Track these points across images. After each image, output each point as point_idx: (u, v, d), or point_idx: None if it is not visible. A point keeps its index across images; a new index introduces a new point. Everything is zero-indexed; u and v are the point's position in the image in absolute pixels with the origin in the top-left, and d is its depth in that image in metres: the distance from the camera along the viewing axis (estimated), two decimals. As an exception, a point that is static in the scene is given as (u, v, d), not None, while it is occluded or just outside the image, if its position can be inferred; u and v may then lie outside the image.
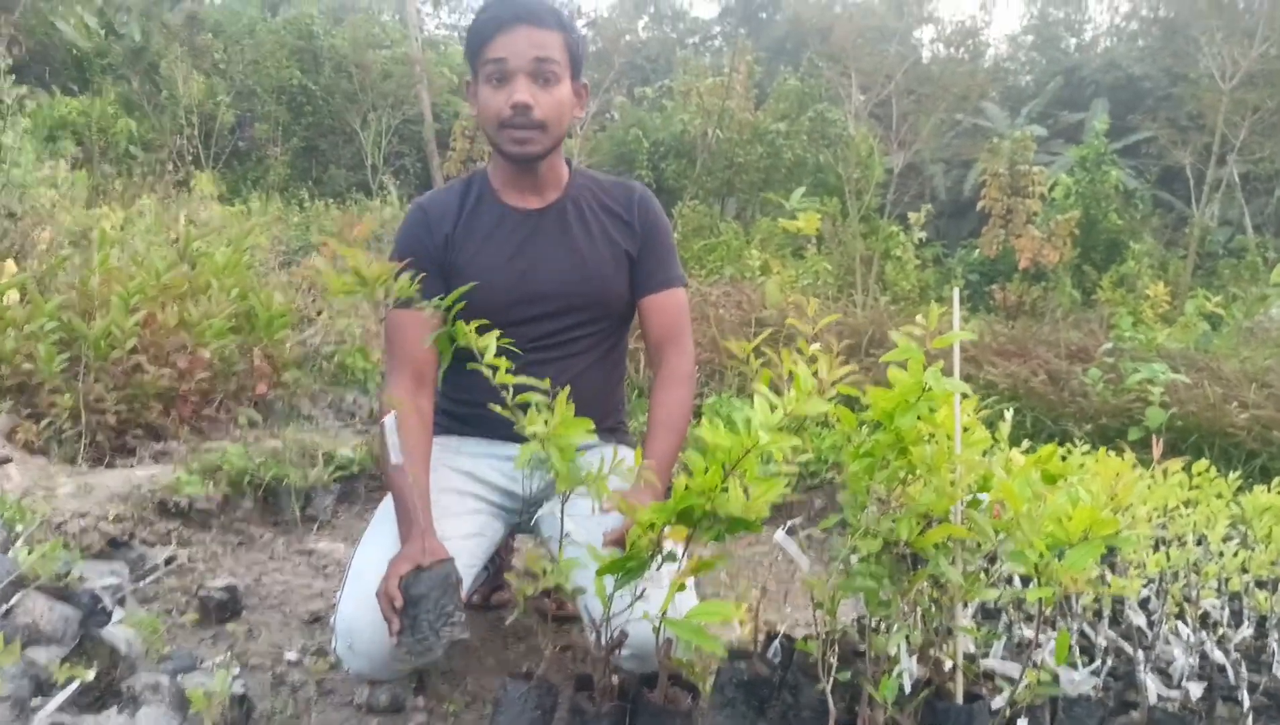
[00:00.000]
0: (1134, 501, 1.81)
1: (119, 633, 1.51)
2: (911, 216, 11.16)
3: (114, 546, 2.34)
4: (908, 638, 1.34)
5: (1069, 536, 0.96)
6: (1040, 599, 1.12)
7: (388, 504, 1.80)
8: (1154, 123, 17.21)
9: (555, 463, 1.42)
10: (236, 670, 1.71)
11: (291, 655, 2.02)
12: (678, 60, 23.69)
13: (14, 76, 4.60)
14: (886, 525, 1.33)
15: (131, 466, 3.03)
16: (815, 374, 1.35)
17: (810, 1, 27.67)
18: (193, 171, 11.67)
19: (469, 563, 1.78)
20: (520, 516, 2.02)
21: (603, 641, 1.42)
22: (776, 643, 1.60)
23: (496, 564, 2.29)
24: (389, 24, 18.56)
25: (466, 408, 1.96)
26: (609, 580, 1.38)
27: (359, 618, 1.61)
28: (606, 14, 30.01)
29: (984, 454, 1.45)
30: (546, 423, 1.40)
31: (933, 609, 1.42)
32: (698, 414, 3.59)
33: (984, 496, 1.39)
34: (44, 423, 3.08)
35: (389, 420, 1.59)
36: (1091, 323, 7.50)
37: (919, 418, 1.31)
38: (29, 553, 1.56)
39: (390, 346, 1.86)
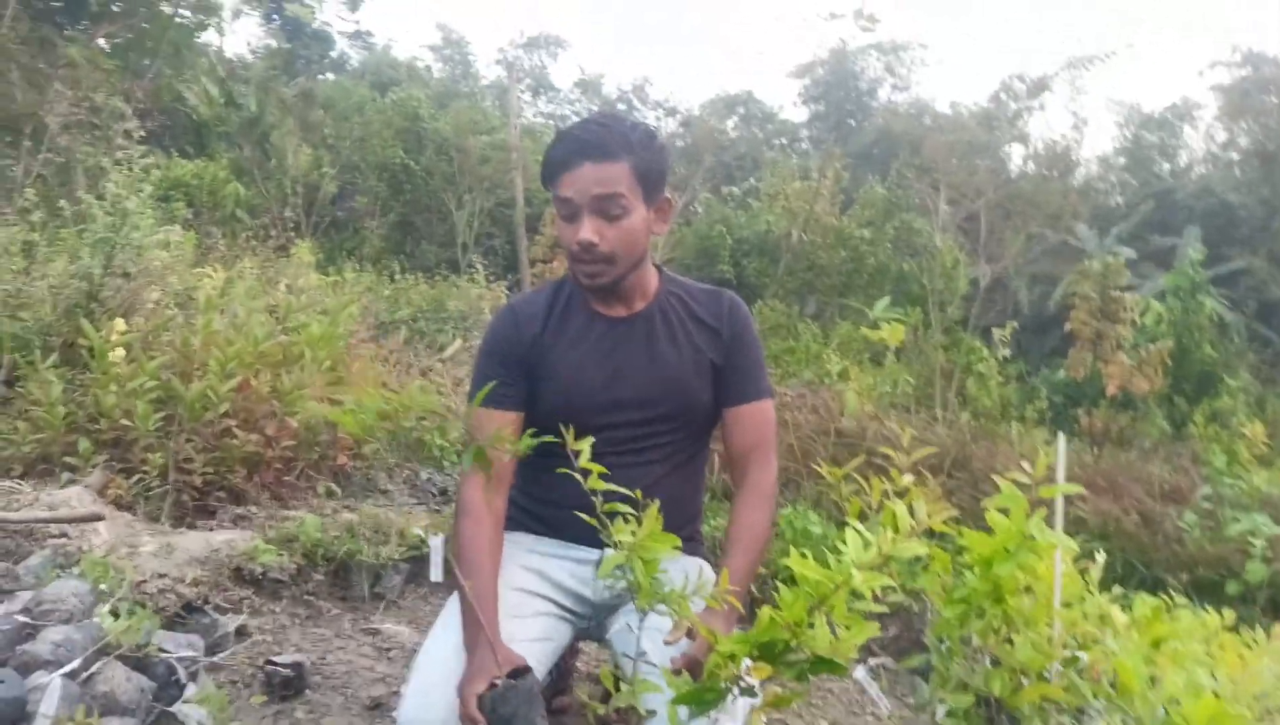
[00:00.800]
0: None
1: (192, 712, 1.51)
2: (996, 332, 10.99)
3: (188, 611, 2.38)
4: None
5: (1190, 726, 0.91)
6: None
7: (456, 598, 1.79)
8: (1252, 255, 16.82)
9: (638, 576, 1.40)
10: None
11: (350, 743, 2.01)
12: (765, 161, 24.13)
13: (144, 146, 4.90)
14: (979, 679, 1.27)
15: (211, 528, 3.09)
16: (910, 511, 1.31)
17: (900, 112, 28.06)
18: (293, 238, 12.16)
19: (534, 669, 1.75)
20: (589, 622, 1.98)
21: (672, 771, 1.36)
22: (851, 788, 1.53)
23: (560, 668, 2.25)
24: (490, 111, 19.37)
25: (544, 507, 1.96)
26: (682, 709, 1.33)
27: (421, 720, 1.59)
28: (698, 112, 30.84)
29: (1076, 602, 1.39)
30: (634, 533, 1.39)
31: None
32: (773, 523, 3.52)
33: (1083, 654, 1.33)
34: (134, 479, 3.17)
35: (436, 541, 1.60)
36: (1182, 458, 7.21)
37: (1018, 567, 1.26)
38: (114, 618, 1.59)
39: (471, 443, 1.87)
